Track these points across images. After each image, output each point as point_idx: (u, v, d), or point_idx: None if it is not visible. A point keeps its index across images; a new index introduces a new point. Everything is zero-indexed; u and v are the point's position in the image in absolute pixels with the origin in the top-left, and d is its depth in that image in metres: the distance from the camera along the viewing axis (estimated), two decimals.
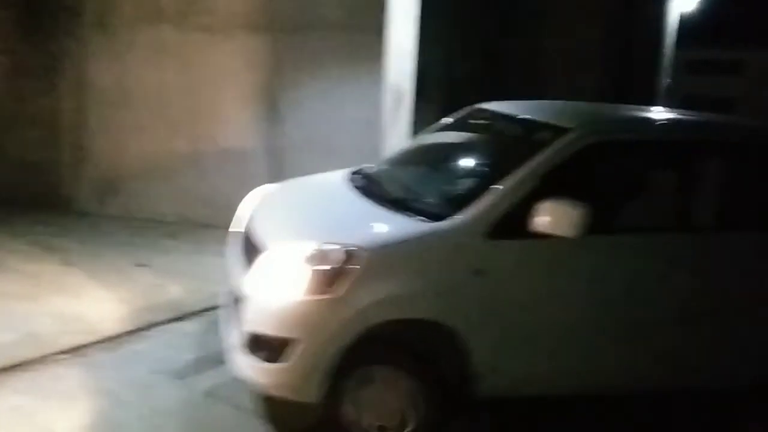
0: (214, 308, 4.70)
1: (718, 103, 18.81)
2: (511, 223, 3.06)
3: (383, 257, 3.01)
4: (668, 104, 9.35)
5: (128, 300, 4.72)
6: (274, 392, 3.17)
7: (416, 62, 5.49)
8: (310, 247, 3.03)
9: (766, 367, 3.55)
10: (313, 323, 2.98)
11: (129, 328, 4.30)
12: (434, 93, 5.71)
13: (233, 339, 3.27)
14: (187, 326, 4.47)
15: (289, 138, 6.94)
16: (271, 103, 6.78)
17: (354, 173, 4.08)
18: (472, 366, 3.13)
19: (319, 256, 2.99)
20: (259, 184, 7.11)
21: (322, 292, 2.95)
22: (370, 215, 3.38)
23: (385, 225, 3.22)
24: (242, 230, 3.76)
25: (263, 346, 3.05)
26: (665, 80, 10.33)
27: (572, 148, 3.20)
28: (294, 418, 3.44)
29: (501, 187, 3.12)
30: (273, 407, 3.48)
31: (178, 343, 4.18)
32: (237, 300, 3.30)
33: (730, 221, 3.51)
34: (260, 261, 3.15)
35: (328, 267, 2.96)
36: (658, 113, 4.20)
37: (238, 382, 3.67)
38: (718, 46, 19.96)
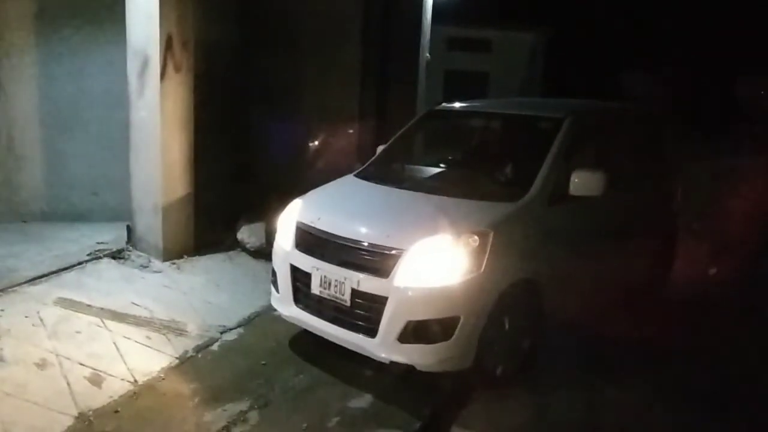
0: None
1: (474, 77, 20.58)
2: (557, 192, 3.99)
3: (502, 235, 3.66)
4: (429, 78, 9.78)
5: None
6: (438, 368, 3.58)
7: (162, 25, 4.97)
8: (455, 236, 3.58)
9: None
10: (469, 299, 3.54)
11: None
12: (185, 59, 5.24)
13: (368, 336, 3.58)
14: None
15: (18, 112, 6.00)
16: None
17: (364, 176, 4.50)
18: (544, 307, 3.97)
19: (465, 243, 3.56)
20: None
21: (471, 272, 3.53)
22: (458, 206, 3.91)
23: (482, 210, 3.84)
24: (307, 239, 3.93)
25: (427, 331, 3.52)
26: (425, 56, 10.86)
27: (572, 132, 4.22)
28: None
29: (545, 167, 4.01)
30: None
31: None
32: (362, 301, 3.62)
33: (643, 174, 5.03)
34: (407, 258, 3.52)
35: (472, 250, 3.55)
36: (590, 102, 5.72)
37: None
38: (471, 26, 21.70)
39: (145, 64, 5.13)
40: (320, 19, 6.69)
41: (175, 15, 5.09)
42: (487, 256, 3.55)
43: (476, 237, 3.57)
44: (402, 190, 4.21)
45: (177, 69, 5.16)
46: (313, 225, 3.92)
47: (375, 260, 3.61)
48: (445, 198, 4.02)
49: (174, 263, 5.33)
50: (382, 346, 3.54)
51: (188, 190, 5.50)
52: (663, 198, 5.45)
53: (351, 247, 3.70)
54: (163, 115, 5.14)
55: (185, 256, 5.44)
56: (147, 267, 5.24)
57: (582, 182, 3.97)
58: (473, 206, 3.88)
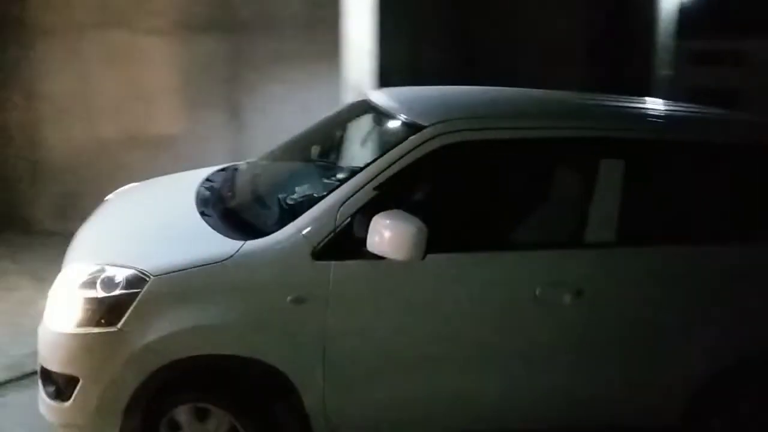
0: None
1: (722, 94, 18.32)
2: (344, 242, 2.60)
3: (174, 283, 2.57)
4: (670, 97, 8.84)
5: None
6: None
7: (377, 58, 5.08)
8: (86, 270, 2.68)
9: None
10: (90, 359, 2.62)
11: None
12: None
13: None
14: None
15: (255, 145, 6.56)
16: (233, 109, 6.44)
17: (215, 172, 3.72)
18: (305, 409, 2.73)
19: (94, 282, 2.62)
20: None
21: (97, 324, 2.58)
22: (185, 230, 2.92)
23: (192, 243, 2.74)
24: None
25: (50, 382, 2.75)
26: (663, 72, 9.86)
27: (422, 151, 2.68)
28: None
29: (334, 197, 2.66)
30: None
31: None
32: None
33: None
34: (55, 284, 2.80)
35: (102, 295, 2.58)
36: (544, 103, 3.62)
37: None
38: (719, 36, 19.43)
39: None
40: (539, 39, 6.34)
41: (389, 49, 5.17)
42: (135, 309, 2.52)
43: (120, 278, 2.56)
44: (190, 203, 3.16)
45: None
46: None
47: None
48: (204, 222, 2.91)
49: None
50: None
51: None
52: None
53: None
54: None
55: None
56: None
57: (378, 233, 2.46)
58: (204, 237, 2.74)
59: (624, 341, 2.92)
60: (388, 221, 2.46)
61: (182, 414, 2.73)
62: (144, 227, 3.12)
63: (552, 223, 2.97)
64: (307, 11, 5.83)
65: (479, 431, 3.03)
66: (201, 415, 2.74)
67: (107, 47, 6.30)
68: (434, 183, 2.98)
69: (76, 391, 2.64)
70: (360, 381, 2.77)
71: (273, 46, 6.09)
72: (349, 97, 5.35)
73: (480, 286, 2.78)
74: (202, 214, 2.99)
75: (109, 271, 2.62)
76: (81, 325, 2.60)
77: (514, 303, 2.81)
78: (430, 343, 2.78)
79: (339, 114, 3.84)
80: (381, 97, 3.44)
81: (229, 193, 3.30)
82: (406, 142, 2.71)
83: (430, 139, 2.69)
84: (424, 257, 2.49)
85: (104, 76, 6.37)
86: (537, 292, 2.76)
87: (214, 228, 2.82)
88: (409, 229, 2.42)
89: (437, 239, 2.57)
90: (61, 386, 2.69)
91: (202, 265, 2.58)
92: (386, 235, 2.44)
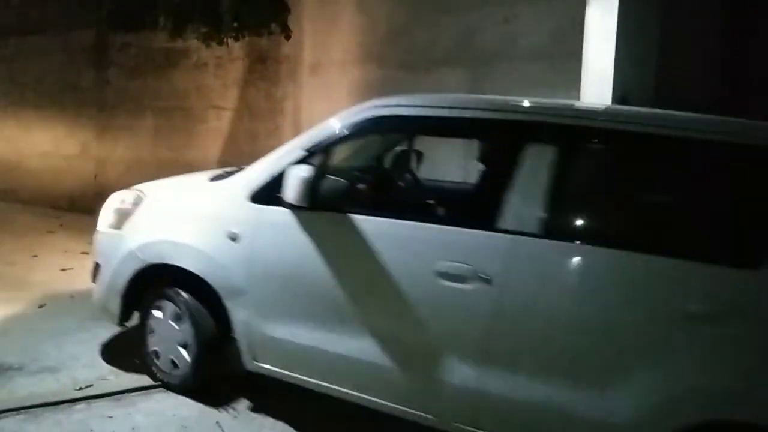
0: None
1: None
2: (274, 190, 3.06)
3: (159, 204, 3.59)
4: None
5: None
6: (97, 313, 3.88)
7: (616, 88, 4.69)
8: (122, 191, 3.80)
9: None
10: (107, 251, 3.67)
11: None
12: None
13: None
14: None
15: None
16: (466, 142, 6.43)
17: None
18: (234, 332, 3.24)
19: (119, 196, 3.78)
20: None
21: (113, 227, 3.68)
22: (193, 182, 3.95)
23: (186, 186, 3.89)
24: None
25: (93, 269, 3.81)
26: None
27: (350, 119, 3.12)
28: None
29: (276, 153, 3.24)
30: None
31: None
32: None
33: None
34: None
35: (120, 206, 3.71)
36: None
37: None
38: None
39: None
40: None
41: (632, 77, 4.77)
42: (132, 218, 3.59)
43: (132, 196, 3.68)
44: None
45: None
46: None
47: None
48: (213, 179, 3.76)
49: None
50: None
51: None
52: None
53: None
54: None
55: None
56: None
57: (288, 180, 2.90)
58: (199, 186, 3.78)
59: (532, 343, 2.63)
60: (294, 170, 2.90)
61: (150, 312, 3.62)
62: (176, 180, 4.10)
63: (463, 200, 3.34)
64: (548, 41, 5.58)
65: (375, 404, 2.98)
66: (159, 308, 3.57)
67: (361, 82, 6.82)
68: (359, 149, 3.69)
69: (98, 275, 3.73)
70: (273, 317, 3.12)
71: (512, 77, 5.96)
72: None
73: (375, 251, 2.86)
74: (212, 178, 3.74)
75: (130, 192, 3.74)
76: (107, 226, 3.74)
77: (408, 272, 2.80)
78: (320, 297, 3.00)
79: None
80: None
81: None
82: (344, 113, 3.20)
83: (361, 111, 3.15)
84: (309, 206, 2.88)
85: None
86: (436, 266, 2.72)
87: (208, 180, 3.68)
88: (295, 175, 2.87)
89: (352, 200, 3.16)
90: (94, 271, 3.79)
91: (178, 193, 3.71)
92: (289, 181, 2.89)
